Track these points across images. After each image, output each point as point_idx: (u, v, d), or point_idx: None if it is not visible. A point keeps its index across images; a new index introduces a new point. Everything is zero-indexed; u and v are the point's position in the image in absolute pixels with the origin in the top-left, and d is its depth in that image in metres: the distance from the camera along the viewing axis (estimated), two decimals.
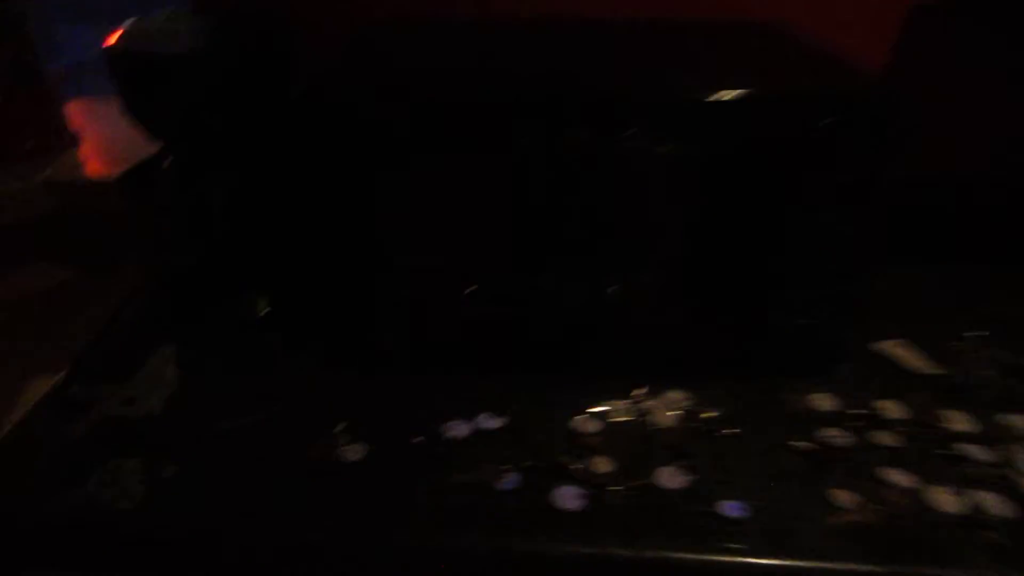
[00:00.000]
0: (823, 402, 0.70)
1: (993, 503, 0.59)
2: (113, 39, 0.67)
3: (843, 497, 0.59)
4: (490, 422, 0.64)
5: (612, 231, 0.71)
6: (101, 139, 0.91)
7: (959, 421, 0.68)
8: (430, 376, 0.70)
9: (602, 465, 0.60)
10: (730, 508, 0.57)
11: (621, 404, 0.68)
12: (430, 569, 0.53)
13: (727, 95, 0.62)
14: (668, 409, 0.67)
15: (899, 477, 0.61)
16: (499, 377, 0.69)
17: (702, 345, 0.73)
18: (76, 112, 0.95)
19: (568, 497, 0.57)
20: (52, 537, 0.56)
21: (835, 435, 0.66)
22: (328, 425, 0.63)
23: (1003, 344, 0.78)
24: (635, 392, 0.69)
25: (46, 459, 0.59)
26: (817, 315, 0.71)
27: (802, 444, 0.64)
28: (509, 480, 0.58)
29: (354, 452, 0.60)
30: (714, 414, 0.67)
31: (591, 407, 0.67)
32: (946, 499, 0.60)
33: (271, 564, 0.55)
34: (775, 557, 0.54)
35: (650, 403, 0.68)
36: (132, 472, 0.58)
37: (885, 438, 0.66)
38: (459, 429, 0.63)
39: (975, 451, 0.65)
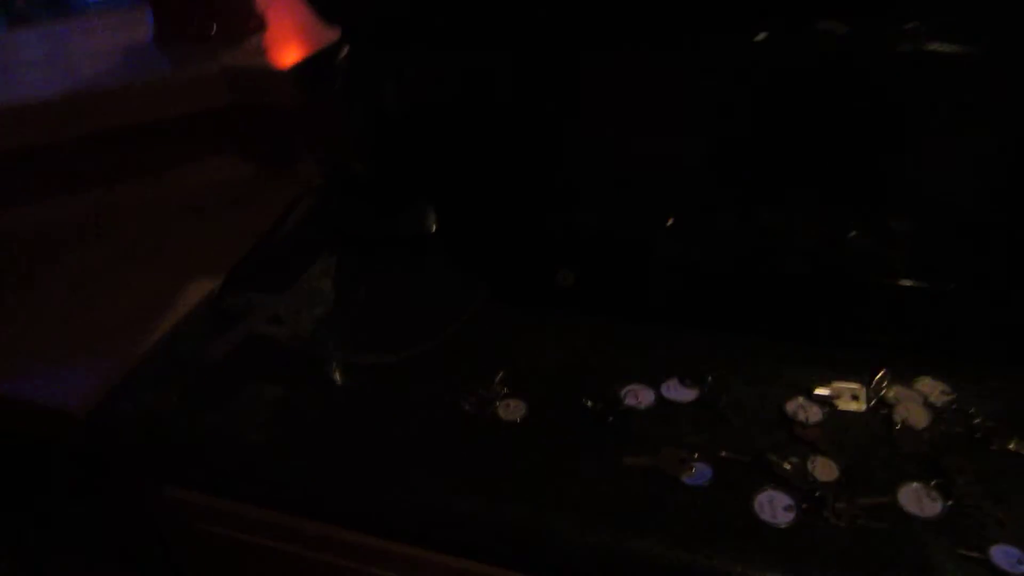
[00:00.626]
0: None
1: None
2: None
3: None
4: (680, 392, 0.52)
5: (863, 158, 0.55)
6: (290, 25, 0.86)
7: None
8: (612, 324, 0.58)
9: (825, 469, 0.46)
10: (1006, 557, 0.41)
11: (853, 388, 0.52)
12: (584, 567, 0.43)
13: None
14: (919, 403, 0.51)
15: None
16: (697, 335, 0.56)
17: (974, 318, 0.55)
18: None
19: (775, 507, 0.44)
20: (188, 458, 0.53)
21: None
22: (488, 372, 0.54)
23: None
24: (875, 375, 0.53)
25: (190, 375, 0.55)
26: None
27: None
28: (698, 473, 0.46)
29: (513, 409, 0.50)
30: (987, 417, 0.50)
31: (813, 388, 0.52)
32: None
33: (400, 526, 0.48)
34: None
35: (894, 391, 0.52)
36: (269, 402, 0.52)
37: None
38: (640, 396, 0.51)
39: None
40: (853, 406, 0.51)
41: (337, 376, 0.54)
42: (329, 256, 0.63)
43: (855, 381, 0.53)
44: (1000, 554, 0.42)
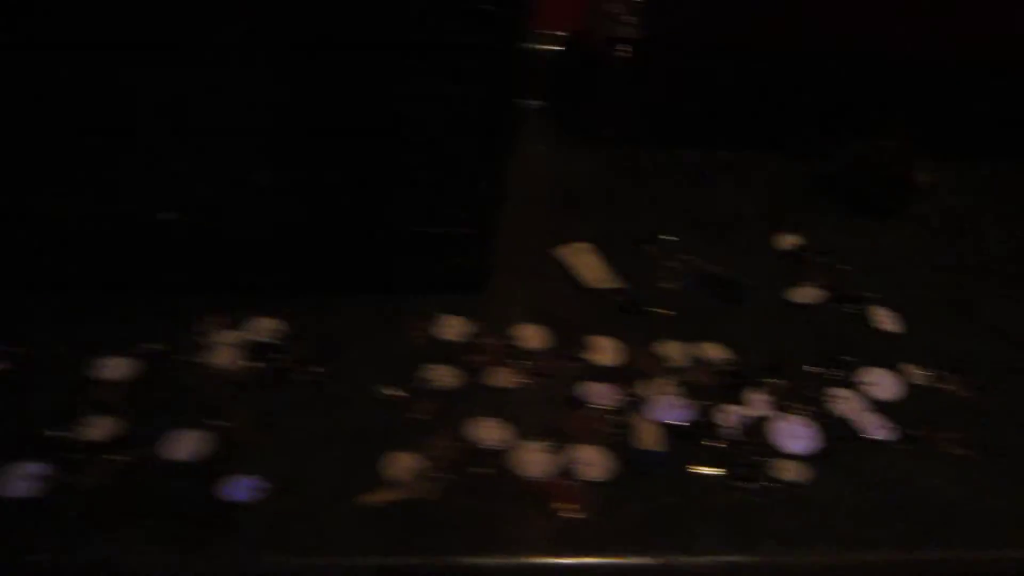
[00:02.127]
0: (452, 330, 0.59)
1: (588, 463, 0.51)
2: None
3: (403, 463, 0.49)
4: None
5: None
6: None
7: (606, 351, 0.59)
8: None
9: (100, 429, 0.48)
10: (237, 489, 0.46)
11: (183, 339, 0.55)
12: None
13: None
14: (234, 344, 0.55)
15: (491, 432, 0.52)
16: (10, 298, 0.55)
17: (311, 255, 0.59)
18: None
19: (21, 480, 0.45)
20: None
21: (443, 375, 0.55)
22: None
23: (709, 241, 0.71)
24: (207, 321, 0.56)
25: None
26: (450, 216, 0.58)
27: (390, 391, 0.54)
28: None
29: None
30: (296, 350, 0.55)
31: (148, 343, 0.54)
32: (537, 459, 0.51)
33: None
34: (275, 555, 0.44)
35: (221, 336, 0.56)
36: None
37: (504, 378, 0.56)
38: None
39: (604, 392, 0.56)
40: (184, 357, 0.54)
41: None
42: None
43: (187, 331, 0.55)
44: (233, 487, 0.45)
